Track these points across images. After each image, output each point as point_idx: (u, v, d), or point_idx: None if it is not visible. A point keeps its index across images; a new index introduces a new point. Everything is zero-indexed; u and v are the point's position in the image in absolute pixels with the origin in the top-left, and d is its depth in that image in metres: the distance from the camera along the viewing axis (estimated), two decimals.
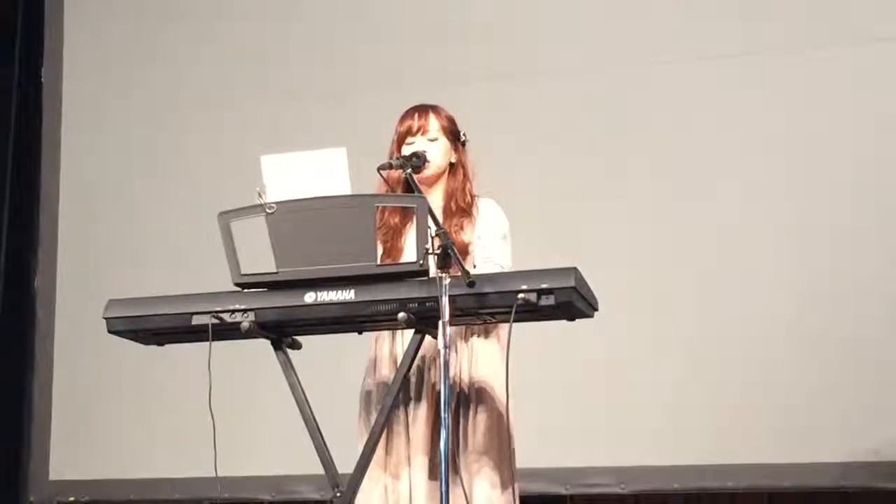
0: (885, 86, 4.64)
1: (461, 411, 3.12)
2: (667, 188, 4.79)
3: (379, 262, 2.89)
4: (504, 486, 3.11)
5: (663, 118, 4.84)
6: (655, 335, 4.67)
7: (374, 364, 3.24)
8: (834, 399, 4.44)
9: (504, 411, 3.10)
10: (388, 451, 3.14)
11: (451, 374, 3.08)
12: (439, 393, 2.99)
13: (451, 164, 3.31)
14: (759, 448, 4.48)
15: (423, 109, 3.30)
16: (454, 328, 3.05)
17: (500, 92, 5.00)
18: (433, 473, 3.07)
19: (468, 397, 3.13)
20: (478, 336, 3.17)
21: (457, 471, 3.01)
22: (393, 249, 3.19)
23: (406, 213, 3.19)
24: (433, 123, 3.28)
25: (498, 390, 3.13)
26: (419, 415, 3.11)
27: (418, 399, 3.12)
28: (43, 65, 5.83)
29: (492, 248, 3.19)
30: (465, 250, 3.15)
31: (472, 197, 3.28)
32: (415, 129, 3.26)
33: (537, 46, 5.07)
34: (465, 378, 3.14)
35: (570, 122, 4.94)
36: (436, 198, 3.27)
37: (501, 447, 3.11)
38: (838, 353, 4.49)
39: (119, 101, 5.64)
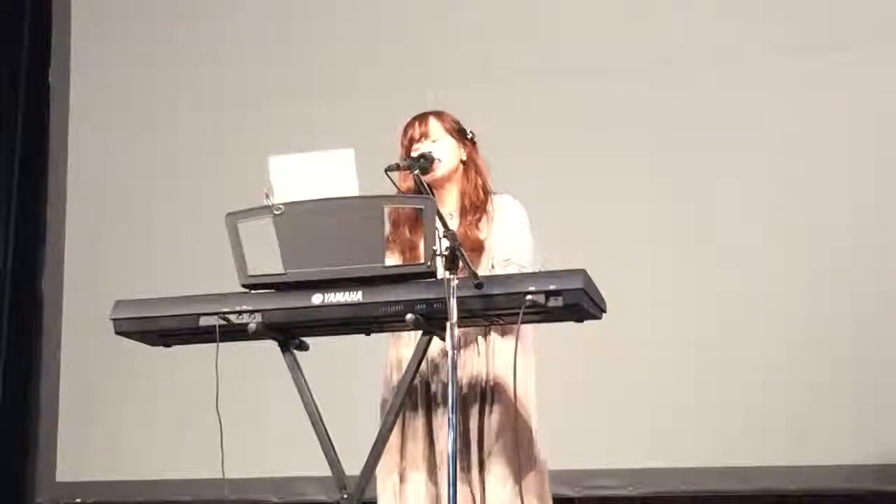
0: (886, 86, 4.62)
1: (483, 410, 3.09)
2: (668, 188, 4.78)
3: None
4: (519, 483, 3.07)
5: (664, 118, 4.83)
6: (663, 337, 4.66)
7: (389, 371, 3.22)
8: (842, 401, 4.44)
9: (524, 409, 3.09)
10: (402, 458, 3.12)
11: (471, 373, 3.09)
12: (465, 398, 3.03)
13: (463, 163, 3.29)
14: (767, 450, 4.47)
15: (422, 116, 3.30)
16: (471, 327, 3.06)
17: (501, 92, 4.98)
18: (463, 479, 3.04)
19: (486, 396, 3.11)
20: (495, 333, 3.15)
21: (480, 469, 3.02)
22: (413, 260, 3.15)
23: (416, 226, 3.16)
24: (434, 126, 3.27)
25: (517, 388, 3.10)
26: (444, 422, 3.04)
27: (445, 404, 3.04)
28: (51, 65, 5.84)
29: (510, 248, 3.16)
30: (480, 247, 3.13)
31: (487, 193, 3.26)
32: (417, 136, 3.25)
33: (537, 47, 5.06)
34: (484, 377, 3.12)
35: (573, 122, 4.93)
36: (451, 198, 3.26)
37: (518, 444, 3.09)
38: (847, 355, 4.48)
39: (127, 101, 5.65)
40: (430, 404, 3.12)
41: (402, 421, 3.08)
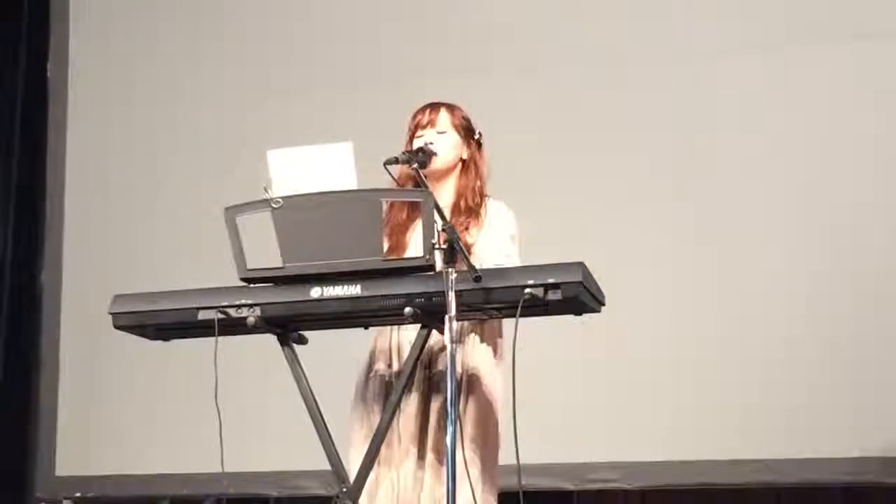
0: (888, 84, 4.61)
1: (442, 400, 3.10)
2: (668, 188, 4.77)
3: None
4: (486, 483, 3.09)
5: (664, 117, 4.81)
6: (663, 332, 4.65)
7: (372, 356, 3.22)
8: (844, 395, 4.42)
9: (491, 403, 3.10)
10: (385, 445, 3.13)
11: (442, 368, 3.09)
12: (437, 385, 3.04)
13: (464, 162, 3.29)
14: (767, 444, 4.46)
15: (435, 105, 3.30)
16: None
17: (502, 90, 4.96)
18: (420, 465, 3.06)
19: (458, 390, 3.11)
20: (472, 333, 3.16)
21: (440, 461, 3.01)
22: (398, 245, 3.17)
23: (412, 209, 3.18)
24: (443, 118, 3.27)
25: (486, 383, 3.12)
26: (410, 408, 3.09)
27: (409, 391, 3.08)
28: (48, 60, 5.84)
29: (501, 254, 3.15)
30: (467, 250, 3.11)
31: (483, 197, 3.26)
32: (424, 122, 3.26)
33: (537, 46, 5.05)
34: (459, 371, 3.12)
35: (574, 119, 4.91)
36: (446, 194, 3.25)
37: (485, 438, 3.10)
38: (848, 350, 4.46)
39: (125, 97, 5.65)
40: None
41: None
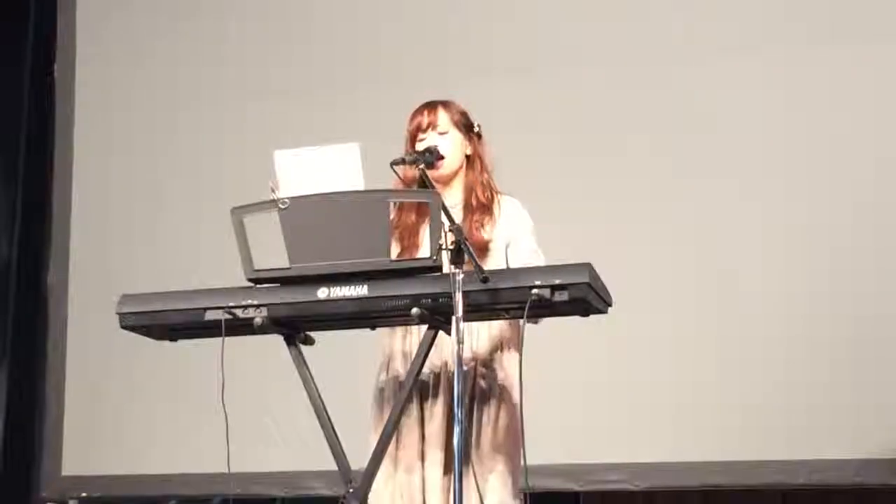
0: (888, 84, 4.61)
1: (476, 408, 3.11)
2: (668, 188, 4.77)
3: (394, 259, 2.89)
4: (515, 488, 3.11)
5: (665, 117, 4.81)
6: (669, 333, 4.65)
7: (387, 360, 3.23)
8: (850, 396, 4.42)
9: (518, 411, 3.08)
10: (398, 447, 3.12)
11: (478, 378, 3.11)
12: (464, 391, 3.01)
13: (468, 157, 3.29)
14: (773, 445, 4.47)
15: (432, 105, 3.28)
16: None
17: (502, 90, 4.96)
18: (448, 469, 3.06)
19: (485, 394, 3.12)
20: (508, 341, 3.17)
21: (469, 466, 3.00)
22: (411, 247, 3.17)
23: (422, 212, 3.16)
24: (443, 118, 3.26)
25: (514, 390, 3.12)
26: (436, 411, 3.09)
27: (435, 395, 3.10)
28: (55, 61, 5.84)
29: (530, 252, 3.18)
30: (484, 248, 3.13)
31: (493, 192, 3.26)
32: (424, 125, 3.25)
33: (537, 45, 5.05)
34: (482, 376, 3.14)
35: (574, 119, 4.92)
36: (455, 193, 3.25)
37: (516, 447, 3.11)
38: (855, 351, 4.46)
39: (131, 98, 5.65)
40: (422, 393, 3.13)
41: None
